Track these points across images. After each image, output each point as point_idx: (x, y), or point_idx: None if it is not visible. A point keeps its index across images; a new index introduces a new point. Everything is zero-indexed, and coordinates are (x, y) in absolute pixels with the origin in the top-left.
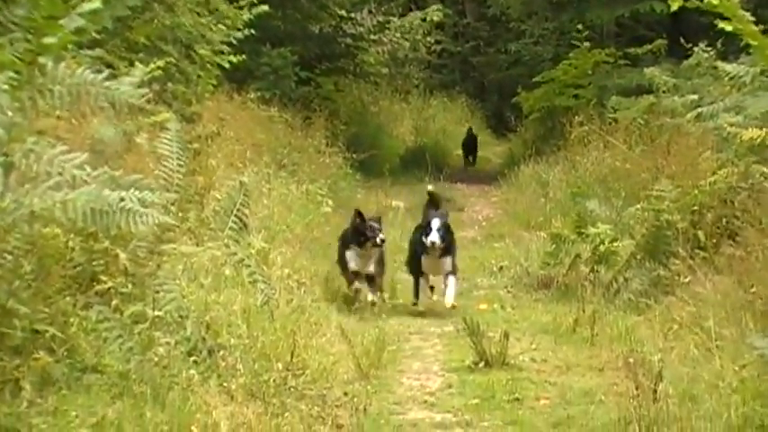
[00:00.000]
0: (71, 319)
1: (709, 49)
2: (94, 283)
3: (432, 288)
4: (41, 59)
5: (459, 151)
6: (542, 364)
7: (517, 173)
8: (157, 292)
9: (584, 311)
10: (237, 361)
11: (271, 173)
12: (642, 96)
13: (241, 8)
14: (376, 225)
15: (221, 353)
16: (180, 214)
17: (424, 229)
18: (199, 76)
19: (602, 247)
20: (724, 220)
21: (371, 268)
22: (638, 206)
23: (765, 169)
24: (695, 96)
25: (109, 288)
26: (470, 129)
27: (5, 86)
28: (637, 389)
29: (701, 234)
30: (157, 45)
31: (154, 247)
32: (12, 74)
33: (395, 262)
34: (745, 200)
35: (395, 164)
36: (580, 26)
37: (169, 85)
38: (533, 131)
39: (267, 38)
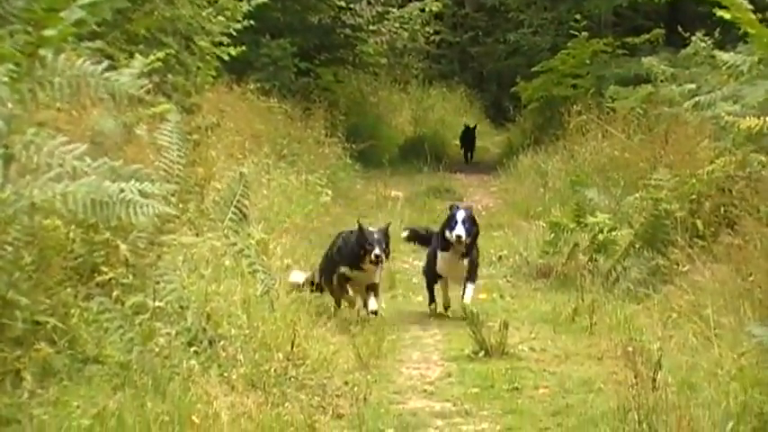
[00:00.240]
0: (72, 311)
1: (706, 38)
2: (95, 275)
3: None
4: (41, 51)
5: (458, 142)
6: (541, 353)
7: (516, 162)
8: (158, 282)
9: (583, 300)
10: (238, 351)
11: (270, 163)
12: (640, 86)
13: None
14: (377, 236)
15: (222, 343)
16: (180, 205)
17: (447, 222)
18: (198, 68)
19: (600, 236)
20: (722, 208)
21: (376, 279)
22: (637, 195)
23: (763, 158)
24: (693, 85)
25: (109, 279)
26: (467, 125)
27: (5, 78)
28: (635, 377)
29: (699, 223)
30: (157, 37)
31: (154, 238)
32: (12, 66)
33: (394, 251)
34: (743, 188)
35: (394, 154)
36: (578, 16)
37: (169, 76)
38: (532, 121)
39: (266, 29)
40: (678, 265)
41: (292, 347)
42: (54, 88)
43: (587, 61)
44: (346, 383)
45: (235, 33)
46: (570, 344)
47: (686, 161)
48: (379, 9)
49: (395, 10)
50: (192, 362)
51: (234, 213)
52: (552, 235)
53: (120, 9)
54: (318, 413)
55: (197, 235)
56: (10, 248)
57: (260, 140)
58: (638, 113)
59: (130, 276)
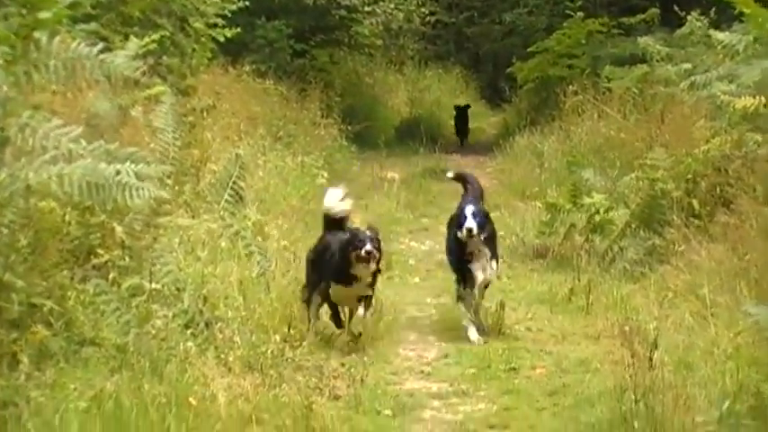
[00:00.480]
0: (68, 293)
1: (702, 17)
2: (91, 257)
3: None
4: (36, 34)
5: (453, 122)
6: (538, 333)
7: (512, 143)
8: (154, 264)
9: (579, 281)
10: (235, 333)
11: (266, 145)
12: (636, 66)
13: None
14: (369, 234)
15: (218, 325)
16: (176, 187)
17: (457, 218)
18: (193, 50)
19: (597, 217)
20: (718, 188)
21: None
22: (633, 175)
23: (759, 137)
24: (689, 65)
25: (106, 261)
26: (458, 105)
27: (0, 61)
28: (632, 357)
29: (695, 202)
30: (152, 18)
31: (150, 220)
32: (6, 48)
33: (390, 233)
34: (738, 168)
35: (390, 135)
36: None
37: (164, 58)
38: (528, 102)
39: (261, 10)
40: (674, 244)
41: (289, 329)
42: (49, 71)
43: (583, 41)
44: (343, 365)
45: (230, 15)
46: (567, 324)
47: (682, 141)
48: None
49: None
50: (189, 344)
51: (230, 195)
52: (548, 215)
53: None
54: (315, 394)
55: (193, 217)
56: (6, 231)
57: (255, 122)
58: (634, 93)
59: (127, 258)
